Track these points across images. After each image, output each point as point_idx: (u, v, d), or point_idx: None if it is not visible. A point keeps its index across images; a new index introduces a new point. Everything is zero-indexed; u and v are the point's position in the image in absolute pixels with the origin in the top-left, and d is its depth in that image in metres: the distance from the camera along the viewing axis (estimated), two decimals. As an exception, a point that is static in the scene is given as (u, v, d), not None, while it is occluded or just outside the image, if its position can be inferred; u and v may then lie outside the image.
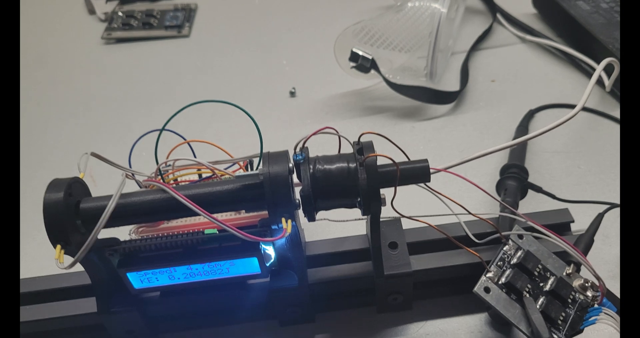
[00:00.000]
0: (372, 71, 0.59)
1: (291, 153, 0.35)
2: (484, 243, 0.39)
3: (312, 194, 0.34)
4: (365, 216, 0.38)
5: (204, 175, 0.39)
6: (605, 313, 0.33)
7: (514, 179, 0.44)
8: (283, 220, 0.33)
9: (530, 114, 0.57)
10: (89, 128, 0.63)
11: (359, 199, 0.34)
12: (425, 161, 0.35)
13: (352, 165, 0.34)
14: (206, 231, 0.35)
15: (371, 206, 0.34)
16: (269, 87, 0.66)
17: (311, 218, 0.35)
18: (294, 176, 0.34)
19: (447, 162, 0.38)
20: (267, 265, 0.38)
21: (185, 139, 0.39)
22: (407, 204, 0.49)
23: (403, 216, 0.37)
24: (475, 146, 0.55)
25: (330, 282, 0.40)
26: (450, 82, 0.63)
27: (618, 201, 0.47)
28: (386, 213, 0.37)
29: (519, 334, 0.38)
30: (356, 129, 0.59)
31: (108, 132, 0.62)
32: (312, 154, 0.36)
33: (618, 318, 0.33)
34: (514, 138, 0.52)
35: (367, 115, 0.61)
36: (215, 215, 0.31)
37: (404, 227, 0.42)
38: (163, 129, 0.36)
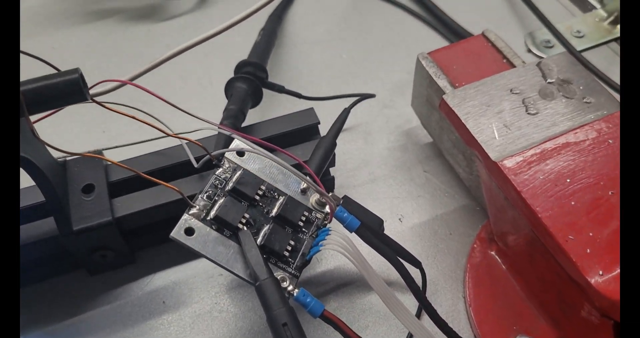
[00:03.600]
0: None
1: None
2: (200, 169, 0.30)
3: None
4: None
5: None
6: (332, 235, 0.27)
7: (244, 81, 0.35)
8: None
9: (288, 1, 0.48)
10: None
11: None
12: (74, 71, 0.25)
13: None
14: None
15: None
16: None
17: None
18: None
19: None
20: None
21: None
22: (125, 131, 0.40)
23: (68, 153, 0.27)
24: (224, 44, 0.45)
25: (3, 253, 0.29)
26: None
27: (381, 91, 0.41)
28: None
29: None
30: (76, 41, 0.46)
31: None
32: None
33: (347, 238, 0.27)
34: (263, 29, 0.43)
35: (92, 21, 0.48)
36: None
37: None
38: None
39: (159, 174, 0.31)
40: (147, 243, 0.33)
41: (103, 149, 0.33)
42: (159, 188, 0.31)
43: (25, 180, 0.31)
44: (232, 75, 0.36)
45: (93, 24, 0.47)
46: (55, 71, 0.26)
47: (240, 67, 0.36)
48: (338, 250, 0.26)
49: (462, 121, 0.30)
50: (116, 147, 0.33)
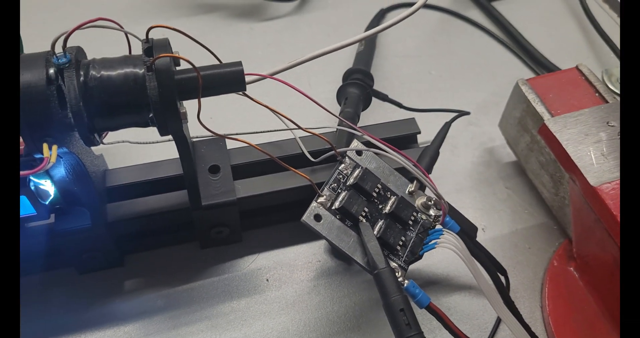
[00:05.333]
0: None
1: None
2: (319, 162, 0.33)
3: (85, 110, 0.25)
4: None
5: None
6: (446, 235, 0.30)
7: (357, 87, 0.38)
8: (45, 146, 0.25)
9: (382, 14, 0.51)
10: None
11: (151, 115, 0.26)
12: (238, 64, 0.28)
13: (140, 70, 0.26)
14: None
15: (168, 124, 0.26)
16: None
17: (89, 141, 0.26)
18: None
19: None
20: (46, 203, 0.29)
21: None
22: (231, 119, 0.43)
23: (216, 135, 0.30)
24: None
25: (136, 218, 0.32)
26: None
27: (466, 109, 0.44)
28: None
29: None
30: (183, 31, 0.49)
31: None
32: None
33: (460, 239, 0.30)
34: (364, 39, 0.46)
35: (197, 14, 0.51)
36: None
37: (230, 147, 0.36)
38: None
39: (273, 164, 0.34)
40: (255, 224, 0.36)
41: (226, 135, 0.36)
42: (275, 176, 0.34)
43: (157, 154, 0.35)
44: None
45: (199, 16, 0.51)
46: (217, 62, 0.29)
47: (350, 74, 0.39)
48: (452, 249, 0.29)
49: (563, 146, 0.33)
50: (237, 134, 0.36)
